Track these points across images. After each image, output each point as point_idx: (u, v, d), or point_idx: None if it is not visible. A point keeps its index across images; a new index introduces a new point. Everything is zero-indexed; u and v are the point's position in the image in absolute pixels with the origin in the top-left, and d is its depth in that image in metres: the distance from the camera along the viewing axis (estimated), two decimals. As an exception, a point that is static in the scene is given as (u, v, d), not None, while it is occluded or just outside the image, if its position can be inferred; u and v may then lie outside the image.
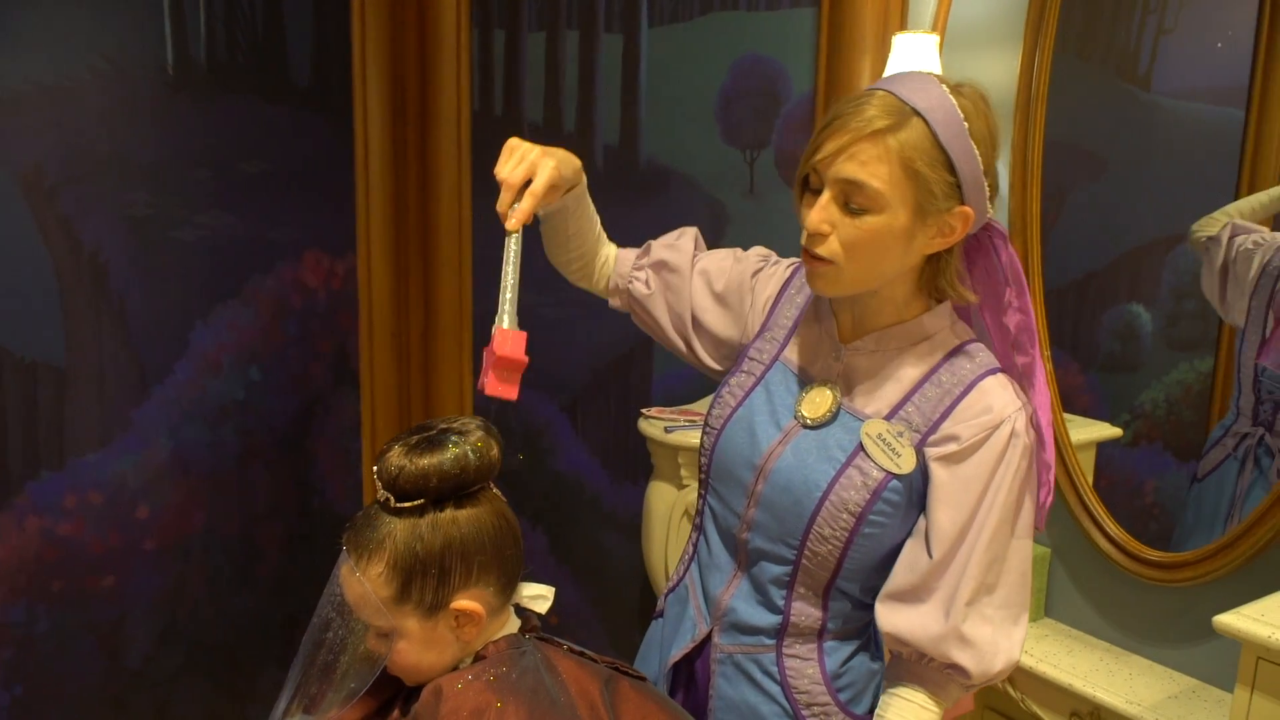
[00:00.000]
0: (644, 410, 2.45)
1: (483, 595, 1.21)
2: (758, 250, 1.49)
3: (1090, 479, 2.13)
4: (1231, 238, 1.94)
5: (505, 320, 1.27)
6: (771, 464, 1.31)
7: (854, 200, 1.18)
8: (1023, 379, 1.29)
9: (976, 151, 1.18)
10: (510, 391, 1.24)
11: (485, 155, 2.77)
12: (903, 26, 2.35)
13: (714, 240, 2.68)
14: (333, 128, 2.64)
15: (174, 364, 2.32)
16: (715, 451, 1.40)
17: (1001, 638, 1.24)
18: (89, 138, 2.12)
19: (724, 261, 1.48)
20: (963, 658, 1.22)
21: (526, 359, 1.25)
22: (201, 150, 2.33)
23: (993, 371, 1.26)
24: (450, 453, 1.17)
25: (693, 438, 2.32)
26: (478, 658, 1.24)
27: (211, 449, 2.42)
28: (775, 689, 1.35)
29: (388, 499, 1.19)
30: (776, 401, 1.35)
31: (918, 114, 1.16)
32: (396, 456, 1.18)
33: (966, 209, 1.19)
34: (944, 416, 1.24)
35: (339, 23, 2.63)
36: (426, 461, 1.16)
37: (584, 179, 1.40)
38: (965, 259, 1.30)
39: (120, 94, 2.17)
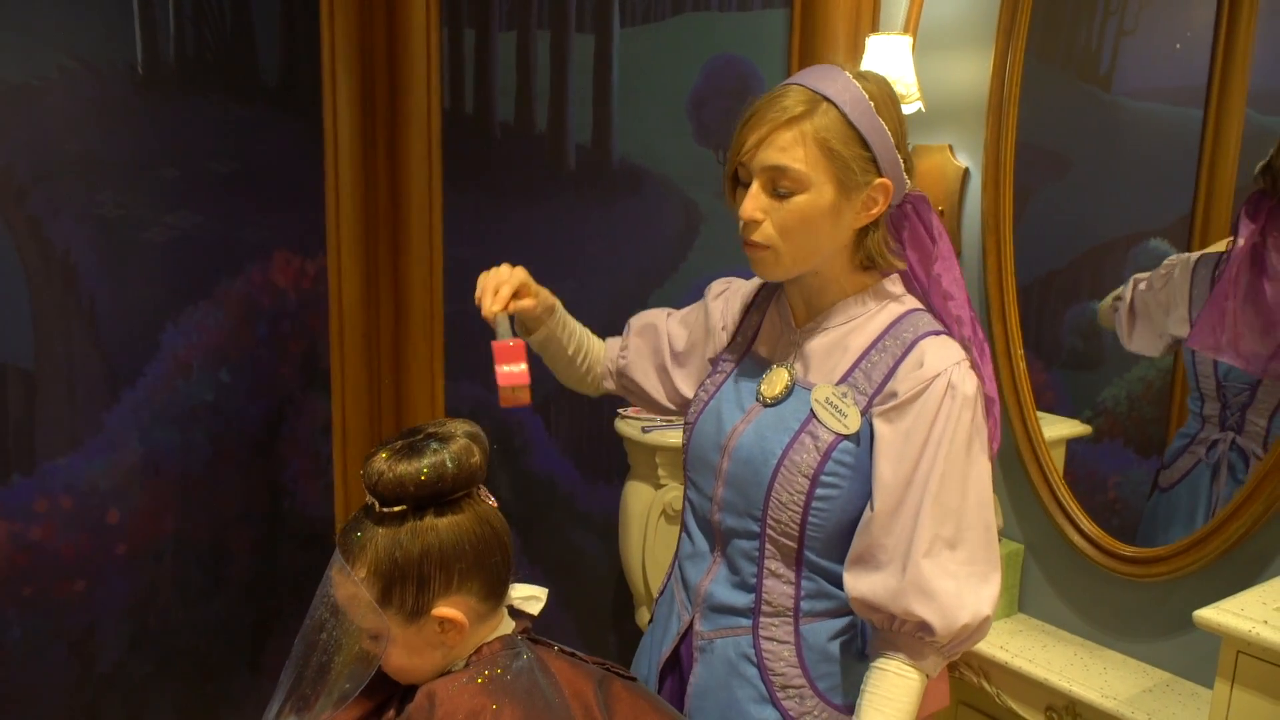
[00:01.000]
0: (620, 410, 2.45)
1: (465, 603, 1.20)
2: (721, 280, 1.61)
3: (1061, 475, 2.16)
4: (1136, 284, 2.04)
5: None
6: (734, 441, 1.39)
7: (780, 185, 1.27)
8: (959, 330, 1.35)
9: (885, 128, 1.28)
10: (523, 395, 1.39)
11: (456, 154, 2.76)
12: (874, 28, 2.37)
13: (688, 239, 2.70)
14: (302, 127, 2.62)
15: (144, 366, 2.29)
16: (690, 444, 1.48)
17: (967, 592, 1.25)
18: (58, 137, 2.09)
19: (694, 306, 1.62)
20: (925, 611, 1.24)
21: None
22: (171, 149, 2.30)
23: (935, 333, 1.33)
24: (429, 461, 1.16)
25: (670, 437, 2.32)
26: (470, 660, 1.24)
27: (182, 452, 2.39)
28: (752, 671, 1.38)
29: (373, 504, 1.19)
30: (742, 389, 1.43)
31: (827, 100, 1.26)
32: (379, 462, 1.17)
33: (885, 181, 1.29)
34: (887, 378, 1.31)
35: (308, 22, 2.61)
36: (404, 468, 1.16)
37: (556, 301, 1.56)
38: (893, 229, 1.38)
39: (90, 93, 2.14)
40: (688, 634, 1.45)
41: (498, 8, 2.70)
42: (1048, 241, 2.28)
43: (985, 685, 2.13)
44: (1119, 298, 2.09)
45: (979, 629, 1.27)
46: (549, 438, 2.87)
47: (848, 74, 1.28)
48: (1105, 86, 2.23)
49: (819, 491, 1.32)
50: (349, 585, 1.18)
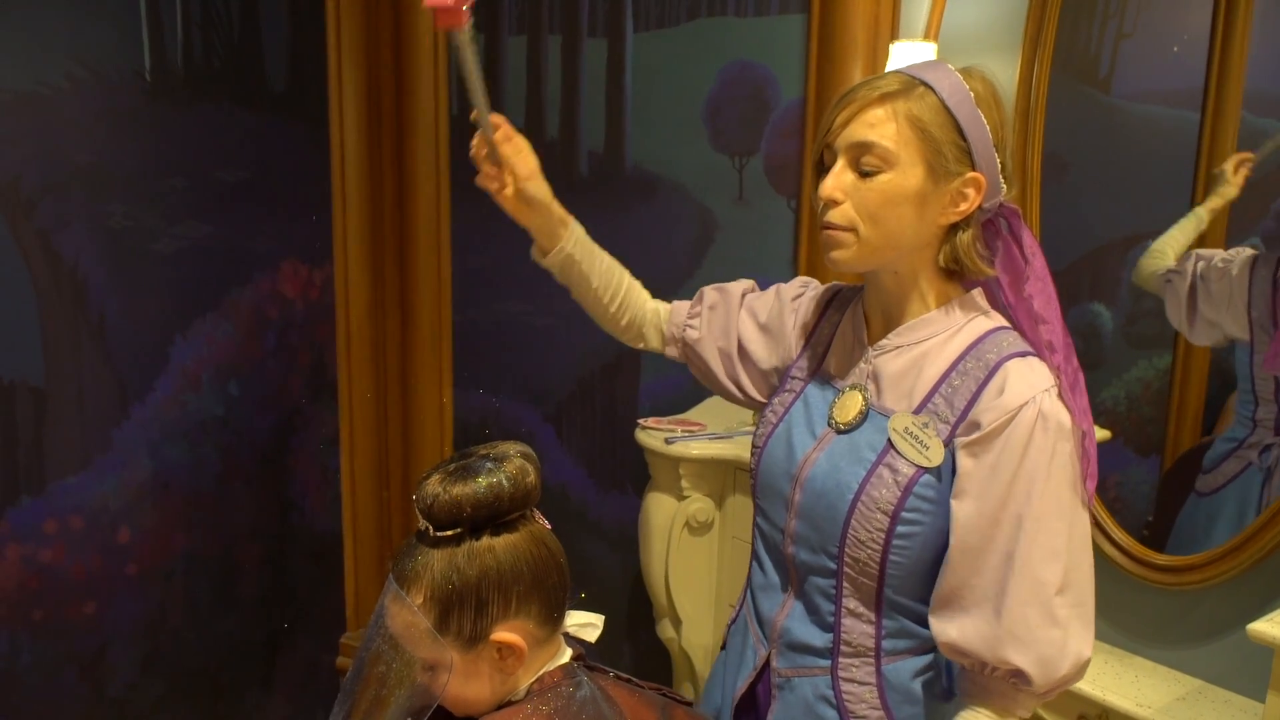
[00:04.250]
0: (641, 421, 2.42)
1: (524, 627, 1.17)
2: (799, 279, 1.51)
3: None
4: (1196, 262, 1.98)
5: None
6: (806, 471, 1.30)
7: (865, 162, 1.20)
8: (1051, 358, 1.24)
9: (984, 123, 1.21)
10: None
11: (464, 163, 2.71)
12: (894, 34, 2.35)
13: (703, 247, 2.68)
14: (309, 135, 2.57)
15: (154, 381, 2.24)
16: (759, 470, 1.40)
17: (1071, 638, 1.18)
18: (67, 147, 2.04)
19: (768, 296, 1.50)
20: (1022, 660, 1.16)
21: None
22: (179, 158, 2.26)
23: (1021, 355, 1.22)
24: (484, 481, 1.13)
25: (694, 449, 2.29)
26: (531, 690, 1.20)
27: (192, 468, 2.34)
28: (831, 714, 1.31)
29: (426, 528, 1.15)
30: (814, 412, 1.35)
31: (924, 84, 1.21)
32: (433, 485, 1.14)
33: (978, 176, 1.21)
34: (970, 404, 1.21)
35: (315, 28, 2.57)
36: (460, 490, 1.13)
37: (571, 218, 1.46)
38: (985, 242, 1.28)
39: (98, 101, 2.08)
40: (764, 669, 1.39)
41: (507, 12, 2.66)
42: (1047, 243, 2.27)
43: (1015, 696, 2.12)
44: (1175, 271, 2.00)
45: (1079, 674, 1.20)
46: (560, 447, 2.84)
47: (950, 67, 1.23)
48: (1105, 89, 2.23)
49: (900, 529, 1.23)
50: (406, 613, 1.14)
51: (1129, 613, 2.12)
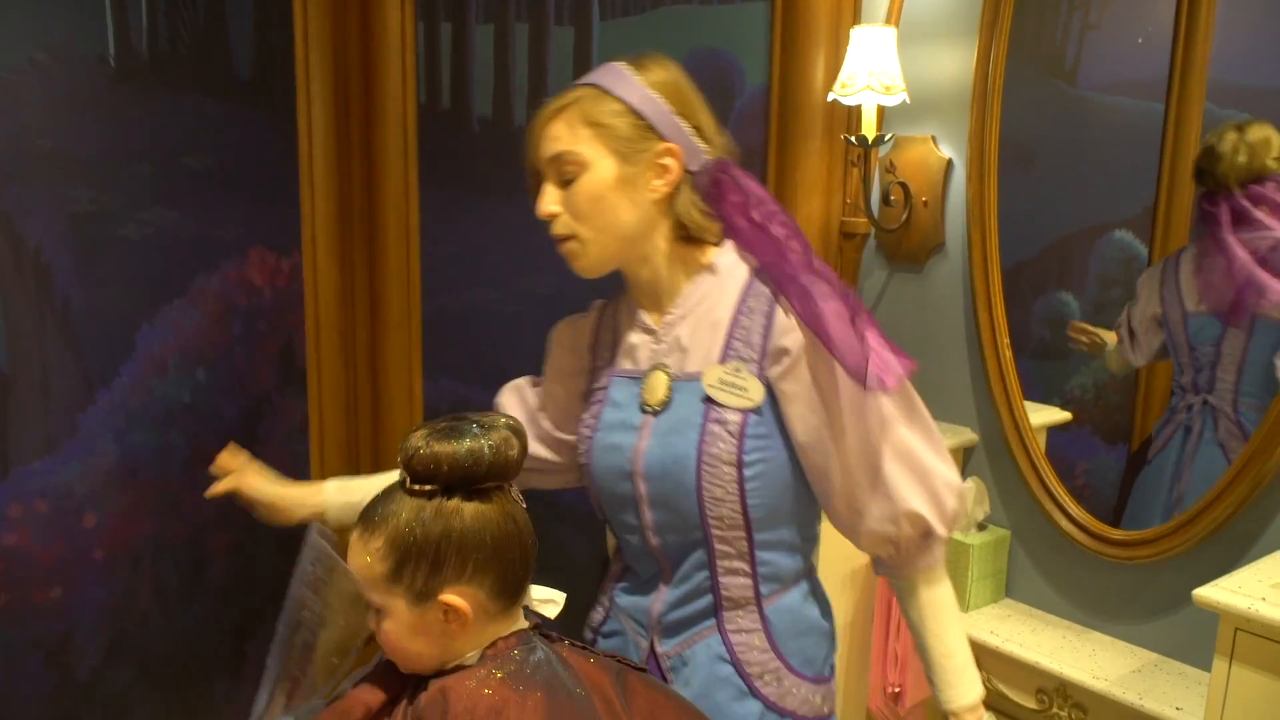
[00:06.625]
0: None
1: (475, 595, 1.18)
2: (557, 327, 1.59)
3: (1046, 461, 2.19)
4: (1126, 318, 2.16)
5: None
6: (641, 463, 1.35)
7: (564, 172, 1.30)
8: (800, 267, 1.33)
9: (656, 95, 1.30)
10: None
11: (433, 150, 2.73)
12: (856, 19, 2.38)
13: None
14: (276, 122, 2.57)
15: (121, 366, 2.23)
16: (595, 483, 1.44)
17: (938, 474, 1.30)
18: (31, 131, 2.03)
19: (551, 362, 1.58)
20: (920, 507, 1.29)
21: None
22: (144, 144, 2.25)
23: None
24: (467, 444, 1.15)
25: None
26: (484, 656, 1.21)
27: (159, 454, 2.34)
28: (728, 670, 1.37)
29: (404, 479, 1.18)
30: (624, 408, 1.40)
31: (590, 85, 1.32)
32: (418, 439, 1.16)
33: (670, 145, 1.30)
34: (767, 336, 1.30)
35: (281, 14, 2.56)
36: (441, 448, 1.15)
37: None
38: (715, 203, 1.34)
39: (62, 86, 2.08)
40: (651, 656, 1.44)
41: (474, 0, 2.67)
42: (1015, 233, 2.31)
43: (976, 672, 2.15)
44: (1120, 341, 2.17)
45: (960, 500, 1.33)
46: (529, 435, 2.85)
47: (618, 65, 1.34)
48: (1071, 80, 2.27)
49: (748, 473, 1.31)
50: (363, 555, 1.17)
51: (1087, 589, 2.16)
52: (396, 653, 1.22)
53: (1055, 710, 2.03)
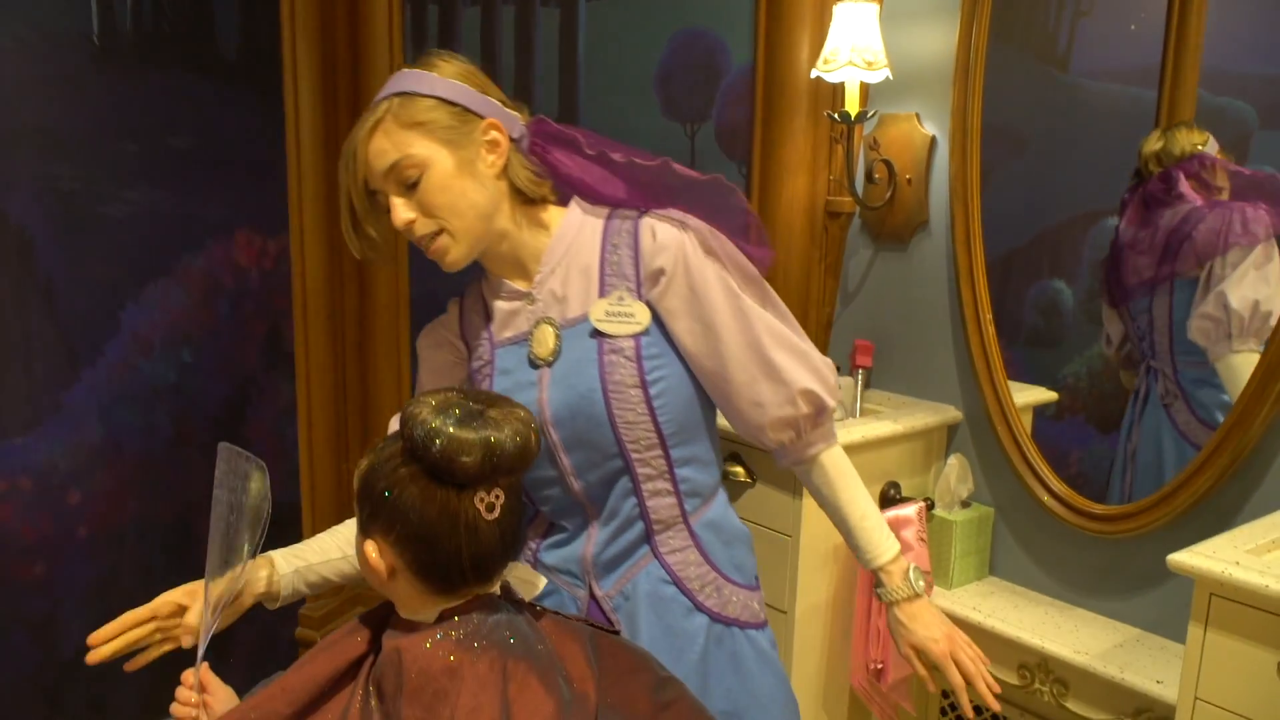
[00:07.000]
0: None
1: (396, 561, 1.18)
2: (423, 333, 1.59)
3: (1030, 437, 2.18)
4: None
5: None
6: (548, 412, 1.39)
7: (404, 178, 1.31)
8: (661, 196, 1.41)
9: (457, 81, 1.34)
10: None
11: (420, 132, 2.73)
12: (840, -2, 2.38)
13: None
14: (263, 103, 2.57)
15: (104, 345, 2.24)
16: None
17: (812, 352, 1.42)
18: (13, 107, 2.04)
19: (423, 371, 1.57)
20: (810, 384, 1.40)
21: None
22: (128, 123, 2.26)
23: (642, 213, 1.40)
24: (437, 424, 1.13)
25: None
26: (441, 616, 1.20)
27: (144, 433, 2.34)
28: (671, 590, 1.42)
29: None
30: (515, 371, 1.43)
31: (391, 96, 1.33)
32: (423, 398, 1.19)
33: (491, 120, 1.35)
34: (638, 261, 1.38)
35: (267, -4, 2.57)
36: (425, 414, 1.15)
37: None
38: (547, 163, 1.41)
39: (45, 63, 2.09)
40: (591, 602, 1.45)
41: (461, -18, 2.68)
42: (1007, 220, 2.30)
43: (959, 648, 2.15)
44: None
45: (833, 373, 1.44)
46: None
47: (408, 69, 1.36)
48: (1062, 67, 2.26)
49: (653, 390, 1.37)
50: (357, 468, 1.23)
51: (1070, 566, 2.15)
52: (362, 568, 1.24)
53: (1037, 685, 2.03)
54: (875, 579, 1.50)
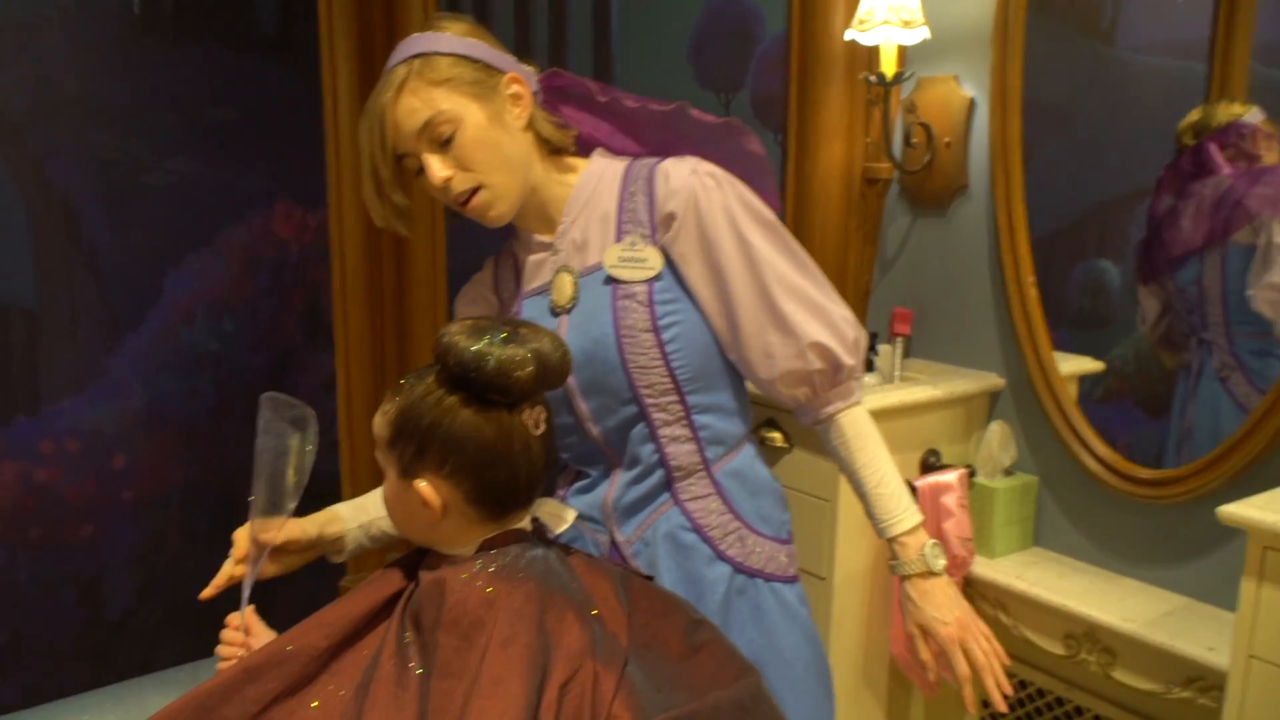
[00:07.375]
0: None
1: (450, 492, 1.17)
2: (462, 293, 1.59)
3: (1076, 403, 2.15)
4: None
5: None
6: None
7: (438, 134, 1.31)
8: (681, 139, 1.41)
9: (475, 40, 1.34)
10: None
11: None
12: (878, -39, 2.35)
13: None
14: (301, 75, 2.59)
15: (147, 311, 2.27)
16: None
17: (833, 307, 1.38)
18: (56, 78, 2.07)
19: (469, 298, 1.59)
20: (823, 338, 1.36)
21: None
22: (169, 94, 2.29)
23: (660, 160, 1.39)
24: (483, 345, 1.13)
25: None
26: (483, 548, 1.21)
27: (186, 400, 2.37)
28: (692, 537, 1.41)
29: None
30: (538, 320, 1.42)
31: (412, 58, 1.32)
32: (455, 325, 1.18)
33: (510, 74, 1.35)
34: (652, 207, 1.37)
35: (305, -31, 2.59)
36: (460, 339, 1.14)
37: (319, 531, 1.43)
38: (558, 107, 1.43)
39: (87, 33, 2.12)
40: (612, 548, 1.45)
41: (496, -47, 2.68)
42: (1053, 199, 2.26)
43: (1002, 617, 2.12)
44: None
45: (856, 329, 1.39)
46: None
47: (417, 35, 1.35)
48: (1108, 41, 2.21)
49: (665, 335, 1.36)
50: (380, 414, 1.20)
51: (1116, 534, 2.11)
52: (390, 512, 1.25)
53: (1084, 655, 1.99)
54: (890, 550, 1.42)
